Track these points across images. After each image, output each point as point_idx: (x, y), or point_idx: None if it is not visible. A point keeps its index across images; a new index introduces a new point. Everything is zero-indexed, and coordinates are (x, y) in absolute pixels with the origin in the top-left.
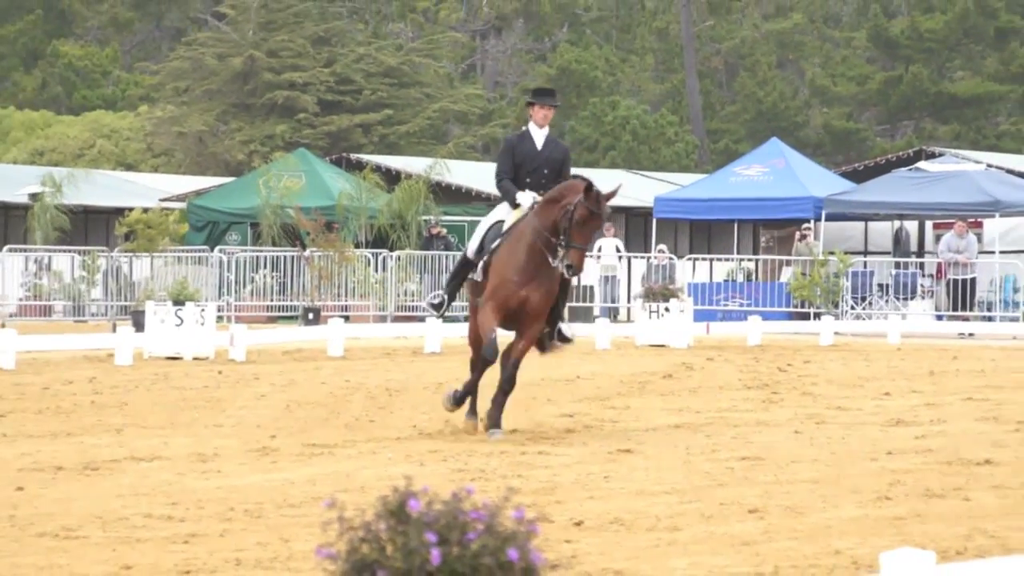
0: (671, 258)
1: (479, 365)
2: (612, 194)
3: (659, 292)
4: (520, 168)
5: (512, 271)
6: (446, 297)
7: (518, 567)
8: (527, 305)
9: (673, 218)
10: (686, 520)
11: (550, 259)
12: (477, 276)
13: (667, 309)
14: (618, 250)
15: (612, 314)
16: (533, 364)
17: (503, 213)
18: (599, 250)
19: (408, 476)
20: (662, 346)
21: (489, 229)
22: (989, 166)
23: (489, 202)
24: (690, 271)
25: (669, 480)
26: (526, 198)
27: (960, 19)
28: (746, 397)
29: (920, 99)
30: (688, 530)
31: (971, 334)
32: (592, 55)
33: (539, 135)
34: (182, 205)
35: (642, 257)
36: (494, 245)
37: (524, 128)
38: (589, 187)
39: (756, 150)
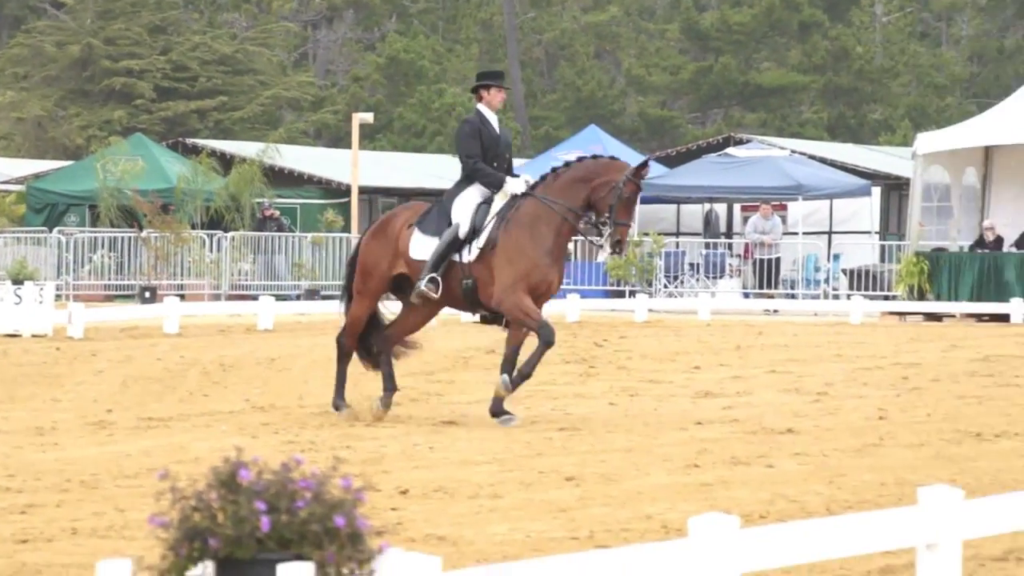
0: None
1: (510, 353)
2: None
3: None
4: (486, 152)
5: (542, 254)
6: (439, 278)
7: (344, 533)
8: (551, 287)
9: None
10: (506, 488)
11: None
12: (469, 257)
13: None
14: None
15: None
16: None
17: (479, 195)
18: None
19: (239, 447)
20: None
21: (476, 211)
22: (793, 152)
23: (320, 185)
24: None
25: (491, 450)
26: (518, 184)
27: (766, 13)
28: (564, 371)
29: (729, 88)
30: (508, 497)
31: (775, 311)
32: (419, 45)
33: (494, 119)
34: (20, 188)
35: None
36: (491, 227)
37: (475, 111)
38: (644, 164)
39: (575, 136)
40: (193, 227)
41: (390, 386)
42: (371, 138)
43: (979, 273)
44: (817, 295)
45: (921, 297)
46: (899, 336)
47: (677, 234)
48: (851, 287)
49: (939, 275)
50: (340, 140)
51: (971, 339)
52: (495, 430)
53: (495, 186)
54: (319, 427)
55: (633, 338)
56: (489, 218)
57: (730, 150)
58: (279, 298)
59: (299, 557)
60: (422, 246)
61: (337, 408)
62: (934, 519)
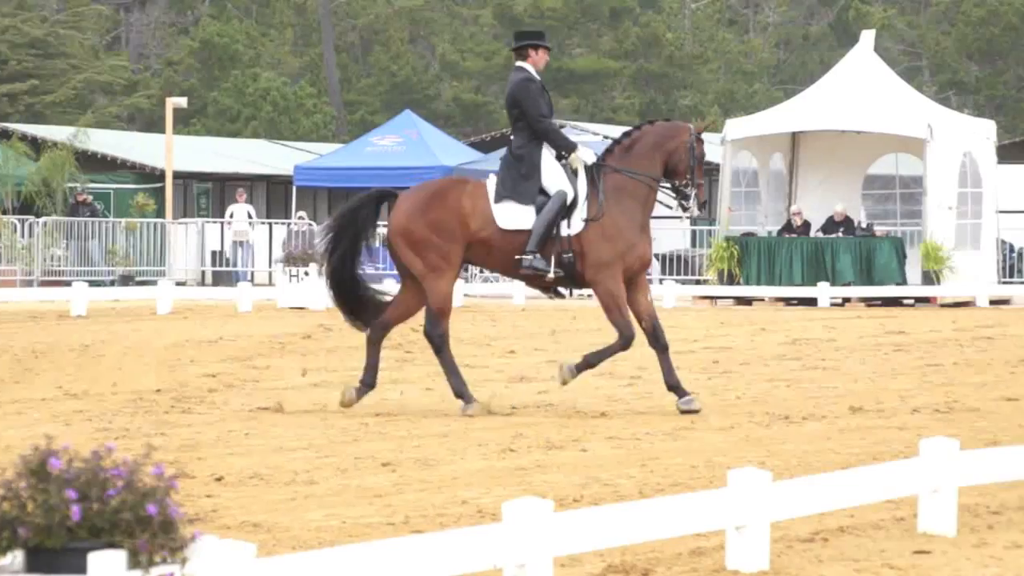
0: (311, 224)
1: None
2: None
3: (299, 257)
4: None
5: (637, 230)
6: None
7: (157, 521)
8: (646, 263)
9: (313, 186)
10: (323, 474)
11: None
12: (570, 231)
13: (307, 273)
14: (250, 216)
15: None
16: (177, 325)
17: (551, 157)
18: (231, 216)
19: (49, 435)
20: (302, 308)
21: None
22: (605, 137)
23: (135, 170)
24: None
25: (307, 436)
26: (589, 154)
27: None
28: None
29: (542, 74)
30: (324, 483)
31: (590, 295)
32: (233, 29)
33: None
34: None
35: (283, 223)
36: (592, 197)
37: (526, 70)
38: (703, 126)
39: (391, 121)
40: (4, 212)
41: (370, 380)
42: (185, 123)
43: (787, 257)
44: None
45: (731, 281)
46: (710, 320)
47: None
48: (663, 272)
49: (749, 260)
50: (154, 125)
51: (780, 323)
52: (311, 416)
53: (567, 150)
54: (133, 414)
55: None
56: (583, 187)
57: None
58: (93, 284)
59: (111, 546)
60: (512, 214)
61: (468, 401)
62: (743, 501)
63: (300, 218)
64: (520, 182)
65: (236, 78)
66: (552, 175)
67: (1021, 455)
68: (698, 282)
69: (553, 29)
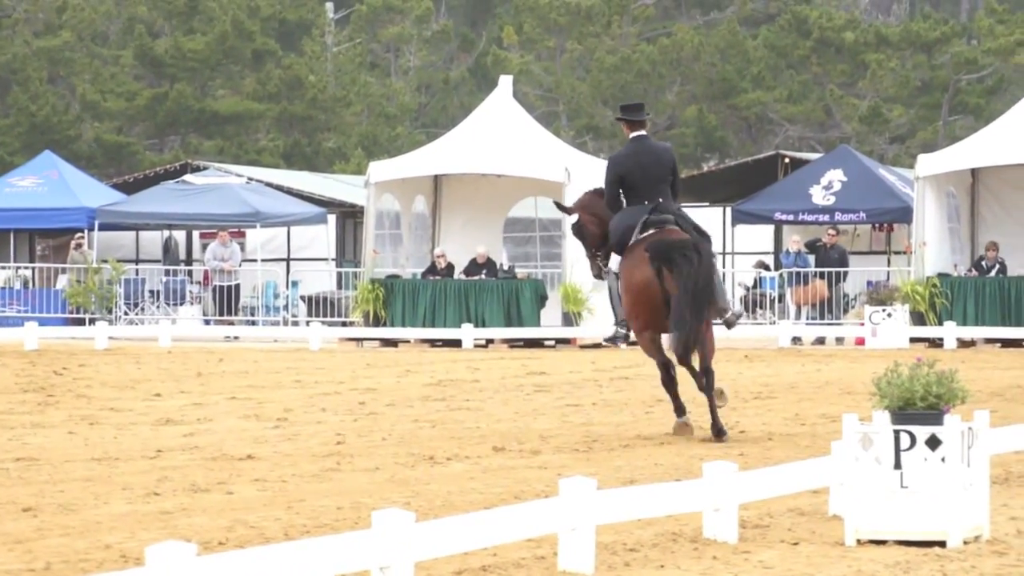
0: None
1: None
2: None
3: None
4: None
5: None
6: None
7: None
8: None
9: None
10: None
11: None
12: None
13: None
14: None
15: None
16: None
17: None
18: None
19: None
20: None
21: None
22: (250, 180)
23: None
24: None
25: None
26: None
27: (220, 40)
28: (22, 400)
29: (185, 115)
30: None
31: (236, 337)
32: None
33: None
34: None
35: None
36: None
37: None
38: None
39: (30, 162)
40: None
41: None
42: None
43: (432, 299)
44: (277, 321)
45: (377, 323)
46: (357, 362)
47: (137, 261)
48: (310, 313)
49: (394, 301)
50: None
51: (425, 364)
52: None
53: None
54: None
55: (93, 366)
56: None
57: (188, 177)
58: None
59: None
60: None
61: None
62: (387, 542)
63: None
64: None
65: None
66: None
67: (656, 494)
68: (344, 324)
69: (195, 71)
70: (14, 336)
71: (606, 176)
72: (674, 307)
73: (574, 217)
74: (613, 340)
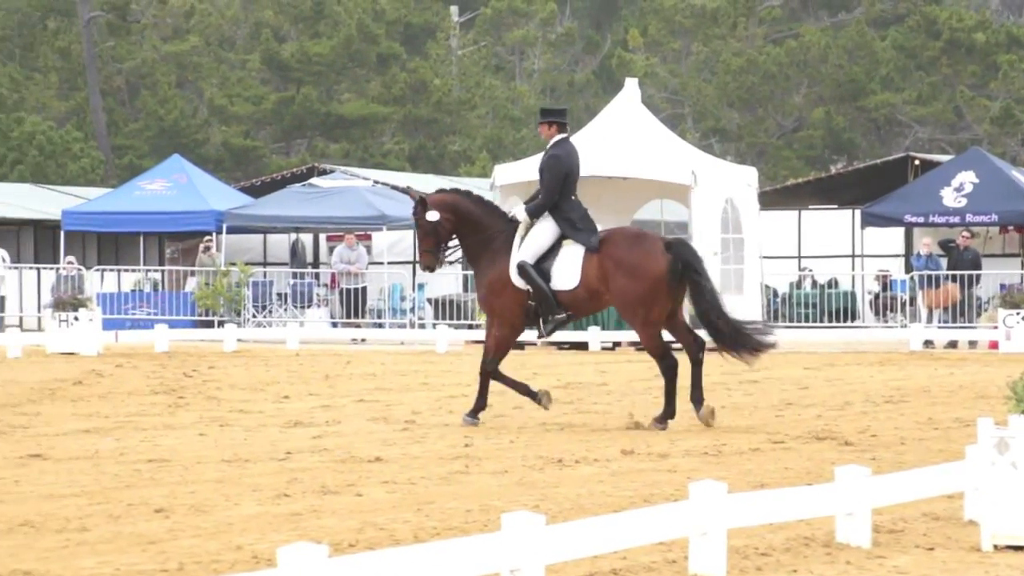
0: (80, 269)
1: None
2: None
3: (68, 302)
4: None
5: None
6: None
7: None
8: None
9: (81, 230)
10: (94, 521)
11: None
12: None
13: (76, 318)
14: (4, 260)
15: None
16: None
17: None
18: None
19: None
20: (72, 354)
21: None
22: (376, 182)
23: None
24: (99, 281)
25: (79, 483)
26: (519, 213)
27: (345, 44)
28: (153, 402)
29: (311, 119)
30: (96, 530)
31: (363, 340)
32: None
33: (547, 147)
34: None
35: (51, 268)
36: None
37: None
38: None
39: (159, 165)
40: None
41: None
42: None
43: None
44: (404, 324)
45: None
46: None
47: (264, 264)
48: (436, 316)
49: None
50: None
51: (552, 367)
52: (83, 462)
53: None
54: None
55: (222, 368)
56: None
57: (314, 180)
58: None
59: None
60: None
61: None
62: (517, 544)
63: (69, 263)
64: None
65: (0, 122)
66: None
67: (787, 498)
68: (471, 327)
69: (321, 75)
70: (145, 338)
71: (554, 173)
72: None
73: (435, 215)
74: (551, 332)
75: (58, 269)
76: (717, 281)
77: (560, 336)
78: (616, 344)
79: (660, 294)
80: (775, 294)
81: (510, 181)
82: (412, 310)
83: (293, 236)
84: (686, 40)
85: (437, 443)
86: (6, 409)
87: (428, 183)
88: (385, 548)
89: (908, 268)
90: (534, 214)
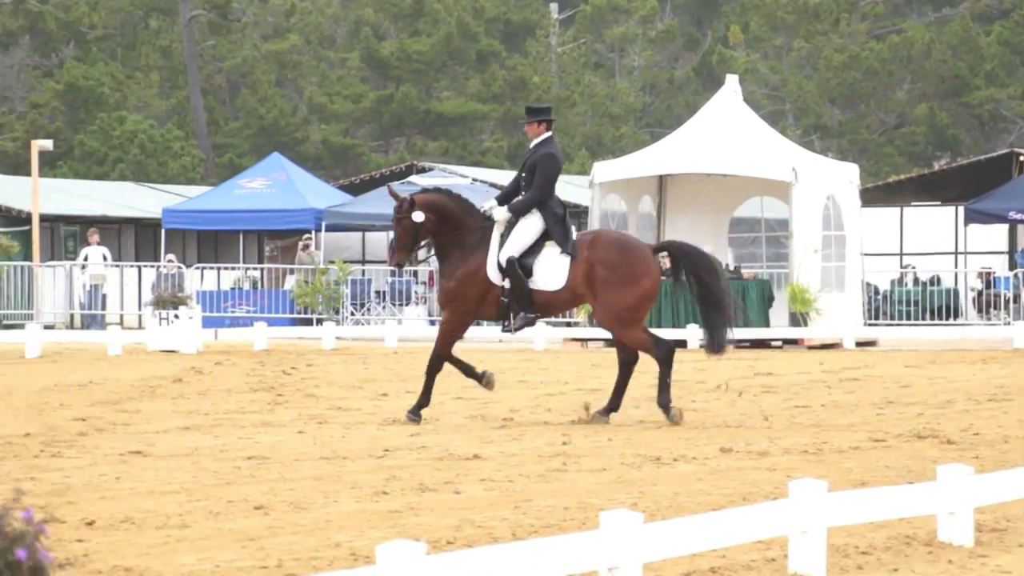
0: (180, 267)
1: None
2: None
3: (169, 300)
4: (520, 172)
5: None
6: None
7: (26, 566)
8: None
9: (181, 228)
10: (195, 518)
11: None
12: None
13: (177, 316)
14: (105, 258)
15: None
16: (47, 369)
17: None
18: (85, 259)
19: None
20: (173, 351)
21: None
22: (475, 180)
23: (0, 212)
24: (199, 279)
25: (178, 480)
26: (497, 212)
27: (444, 42)
28: (252, 399)
29: (410, 117)
30: (196, 527)
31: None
32: (99, 72)
33: (534, 144)
34: None
35: (152, 266)
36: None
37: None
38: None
39: (259, 164)
40: None
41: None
42: (51, 165)
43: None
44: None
45: None
46: (581, 362)
47: (363, 261)
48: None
49: None
50: (19, 167)
51: (649, 364)
52: (183, 459)
53: None
54: (1, 459)
55: (321, 366)
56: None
57: (413, 178)
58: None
59: None
60: None
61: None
62: (615, 543)
63: (169, 261)
64: None
65: (102, 121)
66: None
67: (888, 496)
68: (568, 324)
69: (420, 73)
70: (244, 336)
71: (548, 172)
72: (713, 314)
73: (421, 216)
74: (521, 328)
75: (158, 267)
76: (817, 278)
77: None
78: None
79: (648, 302)
80: (876, 291)
81: (609, 178)
82: None
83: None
84: (787, 36)
85: (535, 440)
86: (107, 406)
87: None
88: (483, 546)
89: (1012, 265)
90: (521, 211)
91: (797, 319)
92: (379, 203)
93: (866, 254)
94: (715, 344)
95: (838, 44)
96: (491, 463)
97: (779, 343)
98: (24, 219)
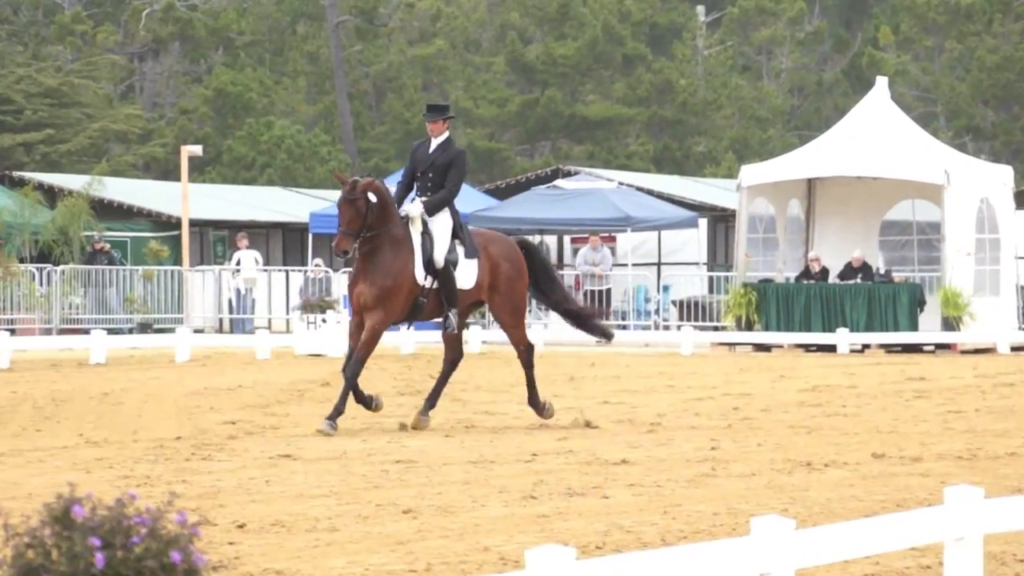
0: (327, 271)
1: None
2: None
3: (316, 304)
4: (416, 171)
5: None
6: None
7: (181, 568)
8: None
9: (329, 233)
10: (344, 521)
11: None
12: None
13: (324, 320)
14: (256, 261)
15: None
16: (196, 373)
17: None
18: (238, 263)
19: (72, 483)
20: (320, 355)
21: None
22: (621, 184)
23: (151, 218)
24: (346, 284)
25: (327, 483)
26: (413, 208)
27: (590, 46)
28: (400, 403)
29: (555, 121)
30: (346, 530)
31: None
32: (247, 77)
33: (434, 142)
34: None
35: (300, 271)
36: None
37: (427, 137)
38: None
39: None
40: (22, 261)
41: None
42: (200, 170)
43: (806, 303)
44: (648, 326)
45: (749, 327)
46: (729, 367)
47: None
48: (681, 318)
49: (766, 306)
50: (169, 173)
51: (799, 369)
52: (332, 463)
53: None
54: (154, 462)
55: (468, 370)
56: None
57: (559, 182)
58: (111, 332)
59: None
60: None
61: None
62: (767, 549)
63: (317, 265)
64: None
65: (250, 126)
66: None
67: None
68: (716, 328)
69: (566, 76)
70: (391, 340)
71: (462, 170)
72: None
73: (374, 198)
74: (464, 327)
75: (306, 271)
76: (970, 281)
77: (807, 338)
78: (865, 346)
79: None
80: None
81: (757, 182)
82: (656, 311)
83: (538, 238)
84: (939, 37)
85: (683, 445)
86: (256, 410)
87: (673, 185)
88: (632, 551)
89: None
90: (437, 208)
91: (950, 323)
92: (525, 207)
93: (1020, 257)
94: (602, 336)
95: (991, 45)
96: (639, 468)
97: (931, 348)
98: (174, 224)
